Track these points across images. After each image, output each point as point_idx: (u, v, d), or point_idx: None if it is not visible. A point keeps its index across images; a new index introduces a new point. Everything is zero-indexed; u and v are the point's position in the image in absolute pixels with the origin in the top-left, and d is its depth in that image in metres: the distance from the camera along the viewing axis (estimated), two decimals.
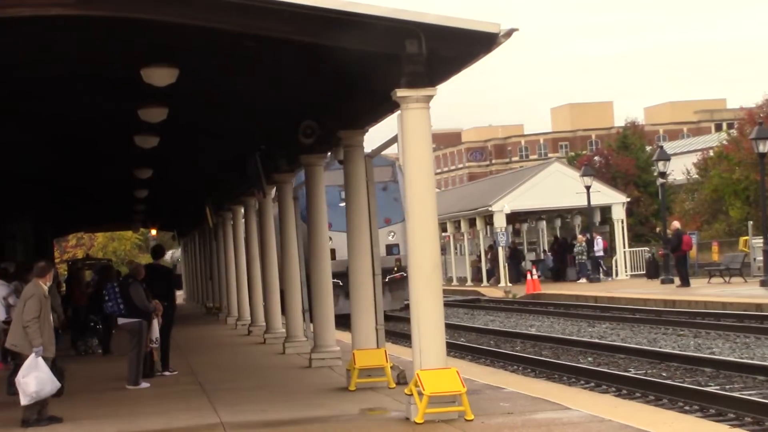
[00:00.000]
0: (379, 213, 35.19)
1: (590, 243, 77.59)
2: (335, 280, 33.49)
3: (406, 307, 46.57)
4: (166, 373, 27.64)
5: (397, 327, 35.63)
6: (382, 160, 47.55)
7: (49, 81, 23.15)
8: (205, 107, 25.34)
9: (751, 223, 68.39)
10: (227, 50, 19.64)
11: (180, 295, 51.87)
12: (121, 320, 27.24)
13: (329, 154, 27.37)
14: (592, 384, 26.54)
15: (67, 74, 22.55)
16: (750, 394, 23.32)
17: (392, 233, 47.78)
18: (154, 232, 75.07)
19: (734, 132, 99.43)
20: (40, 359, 20.05)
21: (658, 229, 77.78)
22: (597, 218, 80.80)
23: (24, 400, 19.90)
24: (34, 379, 19.94)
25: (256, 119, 28.07)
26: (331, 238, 34.81)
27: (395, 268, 48.44)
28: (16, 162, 35.16)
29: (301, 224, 33.91)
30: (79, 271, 42.33)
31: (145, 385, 25.53)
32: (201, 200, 52.66)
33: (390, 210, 48.06)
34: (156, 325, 27.11)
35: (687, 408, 22.34)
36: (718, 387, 24.97)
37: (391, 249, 46.58)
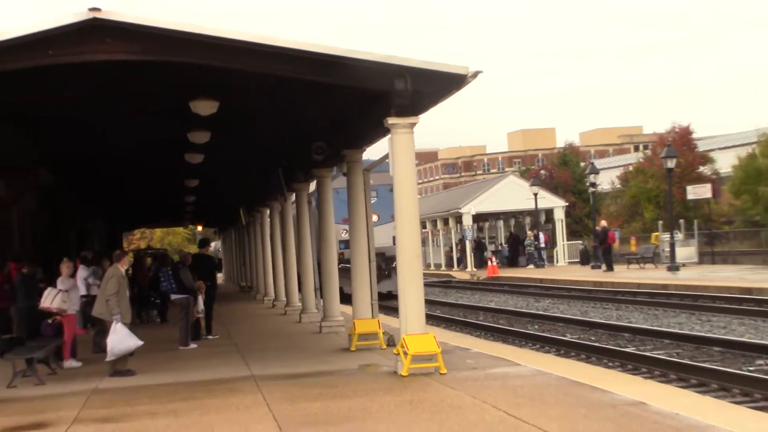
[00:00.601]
0: (387, 211, 37.47)
1: (537, 237, 77.73)
2: (350, 265, 30.67)
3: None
4: (210, 337, 27.67)
5: (389, 303, 35.40)
6: (387, 165, 45.75)
7: (117, 111, 23.09)
8: (239, 131, 25.30)
9: (660, 222, 68.21)
10: (256, 86, 19.63)
11: (220, 277, 51.78)
12: (173, 296, 27.29)
13: (335, 168, 27.44)
14: (538, 346, 26.65)
15: (131, 106, 22.49)
16: (658, 354, 23.43)
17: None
18: (200, 228, 74.70)
19: (648, 152, 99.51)
20: (119, 324, 20.31)
21: (592, 227, 77.47)
22: (542, 218, 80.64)
23: (109, 357, 20.22)
24: (115, 340, 20.18)
25: (279, 140, 28.01)
26: (347, 230, 31.75)
27: None
28: (94, 174, 35.12)
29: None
30: (142, 258, 42.14)
31: (193, 346, 25.53)
32: (236, 204, 52.80)
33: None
34: (201, 300, 27.17)
35: (610, 364, 22.50)
36: (634, 348, 25.06)
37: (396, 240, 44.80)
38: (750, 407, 15.23)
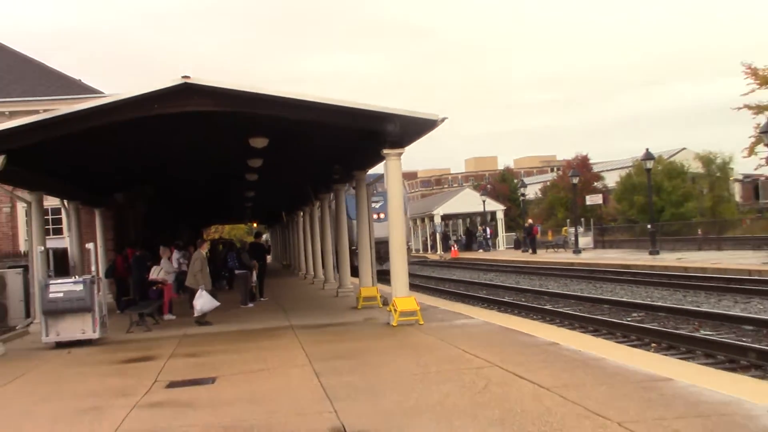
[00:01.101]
0: None
1: (485, 231, 77.86)
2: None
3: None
4: (262, 299, 27.62)
5: (386, 276, 35.44)
6: None
7: (198, 146, 23.12)
8: (282, 159, 25.30)
9: (568, 220, 68.48)
10: (292, 128, 19.66)
11: (269, 258, 51.79)
12: (237, 271, 27.45)
13: (347, 184, 27.53)
14: (485, 305, 26.58)
15: (208, 142, 22.52)
16: (567, 310, 23.44)
17: None
18: (255, 224, 74.54)
19: (560, 172, 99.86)
20: (203, 291, 20.54)
21: (522, 223, 77.42)
22: (488, 218, 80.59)
23: (196, 313, 20.58)
24: (200, 302, 20.44)
25: (309, 164, 28.05)
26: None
27: None
28: (182, 188, 35.16)
29: (348, 220, 31.86)
30: (215, 245, 42.21)
31: (250, 305, 25.50)
32: (280, 208, 52.81)
33: None
34: (255, 274, 27.22)
35: (534, 317, 22.47)
36: (550, 306, 25.03)
37: None
38: (627, 344, 15.30)
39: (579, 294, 28.43)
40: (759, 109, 52.29)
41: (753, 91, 53.11)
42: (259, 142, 21.26)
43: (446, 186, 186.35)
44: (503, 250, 75.29)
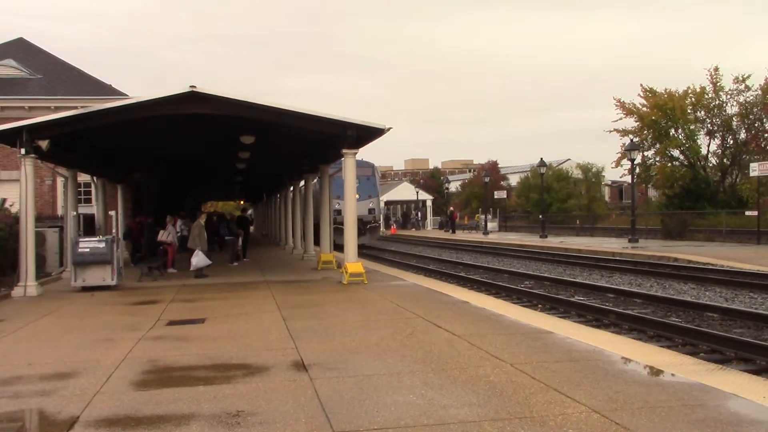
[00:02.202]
0: (365, 191, 39.95)
1: (417, 214, 78.00)
2: (341, 226, 32.76)
3: (378, 240, 46.30)
4: (245, 260, 27.33)
5: (365, 251, 35.53)
6: (366, 162, 43.06)
7: (199, 139, 22.83)
8: (264, 151, 25.03)
9: (480, 209, 68.84)
10: (273, 129, 19.45)
11: (252, 229, 51.44)
12: (226, 237, 27.15)
13: (314, 174, 27.35)
14: (415, 271, 26.54)
15: (206, 137, 22.23)
16: (476, 277, 23.42)
17: (372, 202, 42.32)
18: (242, 201, 73.74)
19: (476, 173, 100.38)
20: (200, 251, 20.27)
21: (446, 210, 77.69)
22: (420, 205, 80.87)
23: (192, 268, 20.33)
24: (196, 260, 20.26)
25: (285, 157, 27.80)
26: (339, 203, 30.39)
27: (372, 221, 42.75)
28: (185, 176, 34.66)
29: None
30: (210, 217, 41.67)
31: (236, 264, 25.26)
32: (260, 190, 52.37)
33: (370, 190, 42.36)
34: (240, 240, 27.01)
35: (451, 281, 22.26)
36: (464, 273, 25.10)
37: (371, 211, 42.06)
38: (520, 305, 15.40)
39: (486, 265, 28.51)
40: (624, 132, 53.51)
41: (621, 119, 54.43)
42: (247, 139, 21.07)
43: (389, 179, 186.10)
44: (430, 230, 75.51)
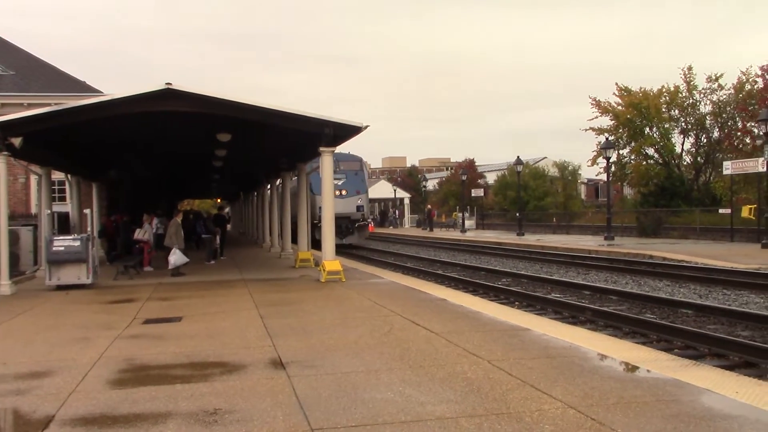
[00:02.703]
0: (353, 187, 37.32)
1: (395, 212, 78.10)
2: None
3: (366, 239, 42.08)
4: (222, 258, 27.21)
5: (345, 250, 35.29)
6: (353, 156, 40.18)
7: (175, 136, 22.68)
8: (241, 149, 24.91)
9: (458, 207, 69.07)
10: (250, 127, 19.36)
11: (229, 227, 51.22)
12: (203, 236, 26.98)
13: (292, 172, 27.27)
14: (392, 269, 26.53)
15: (183, 134, 22.09)
16: (453, 275, 23.54)
17: (360, 199, 38.60)
18: (219, 200, 73.37)
19: (453, 171, 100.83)
20: (177, 250, 20.17)
21: (423, 208, 77.85)
22: (398, 203, 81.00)
23: (170, 266, 20.22)
24: (174, 258, 20.16)
25: (263, 155, 27.67)
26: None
27: (360, 219, 39.04)
28: (161, 174, 34.42)
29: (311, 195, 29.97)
30: (187, 215, 41.46)
31: (213, 262, 25.17)
32: (237, 188, 52.14)
33: (358, 186, 38.86)
34: (217, 238, 26.88)
35: (429, 279, 22.34)
36: (441, 271, 25.21)
37: (358, 208, 38.46)
38: (498, 302, 15.48)
39: (463, 263, 28.61)
40: (600, 131, 53.97)
41: (596, 117, 54.88)
42: (223, 137, 20.94)
43: (368, 178, 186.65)
44: (408, 228, 75.69)
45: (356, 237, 38.87)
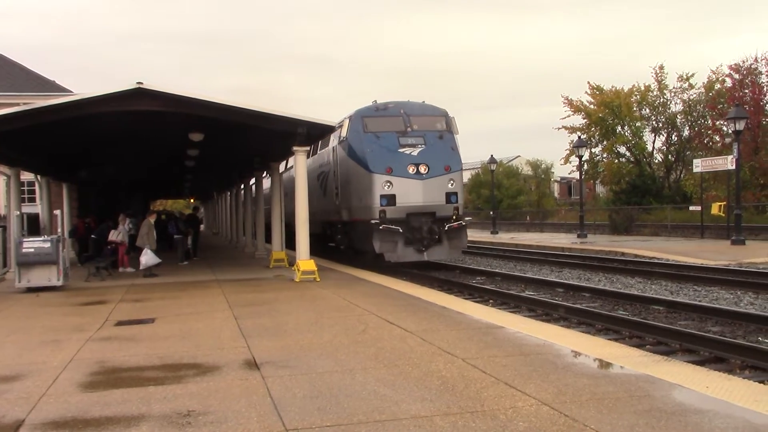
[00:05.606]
0: (439, 160, 21.18)
1: None
2: (395, 227, 20.54)
3: (462, 254, 27.58)
4: (195, 258, 27.08)
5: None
6: (435, 109, 22.63)
7: (147, 136, 22.52)
8: (214, 149, 24.78)
9: None
10: (223, 126, 19.28)
11: (202, 227, 50.99)
12: (176, 236, 26.79)
13: (265, 171, 27.17)
14: (368, 267, 26.43)
15: (155, 134, 21.94)
16: (427, 273, 23.53)
17: (452, 181, 21.25)
18: (192, 200, 72.87)
19: None
20: (149, 250, 20.00)
21: None
22: None
23: (142, 267, 20.11)
24: (145, 258, 20.01)
25: (236, 155, 27.55)
26: (391, 183, 20.32)
27: (454, 216, 21.62)
28: (133, 174, 34.13)
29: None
30: (160, 215, 41.20)
31: (186, 263, 25.04)
32: (211, 189, 51.82)
33: (449, 158, 21.31)
34: (190, 238, 26.76)
35: (403, 278, 22.30)
36: (417, 270, 25.14)
37: (449, 197, 21.30)
38: (472, 300, 15.52)
39: (441, 263, 28.59)
40: (573, 129, 54.41)
41: (569, 116, 55.31)
42: (196, 137, 20.86)
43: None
44: None
45: (446, 248, 22.19)
